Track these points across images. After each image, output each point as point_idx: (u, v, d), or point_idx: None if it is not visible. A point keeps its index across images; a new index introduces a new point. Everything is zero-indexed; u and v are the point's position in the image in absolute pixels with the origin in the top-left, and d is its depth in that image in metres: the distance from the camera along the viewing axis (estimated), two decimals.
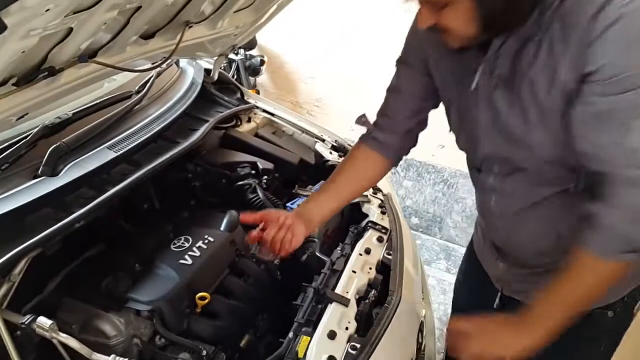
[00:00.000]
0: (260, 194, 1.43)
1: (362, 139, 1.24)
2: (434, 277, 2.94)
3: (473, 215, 3.09)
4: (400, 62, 1.17)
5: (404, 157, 1.28)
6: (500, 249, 1.19)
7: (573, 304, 0.93)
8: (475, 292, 1.37)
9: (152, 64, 1.44)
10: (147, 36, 1.26)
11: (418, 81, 1.15)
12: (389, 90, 1.21)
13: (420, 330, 1.27)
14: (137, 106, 1.52)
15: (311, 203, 1.21)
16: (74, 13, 0.84)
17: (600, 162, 0.86)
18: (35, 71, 0.96)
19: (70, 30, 0.91)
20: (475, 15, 0.84)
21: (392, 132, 1.20)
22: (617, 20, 0.76)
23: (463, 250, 3.46)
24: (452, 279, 2.95)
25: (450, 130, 1.15)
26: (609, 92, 0.80)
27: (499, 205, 1.09)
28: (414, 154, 3.40)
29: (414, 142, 1.25)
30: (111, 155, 1.28)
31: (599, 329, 1.14)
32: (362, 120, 1.24)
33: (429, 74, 1.11)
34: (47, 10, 0.75)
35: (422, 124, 1.22)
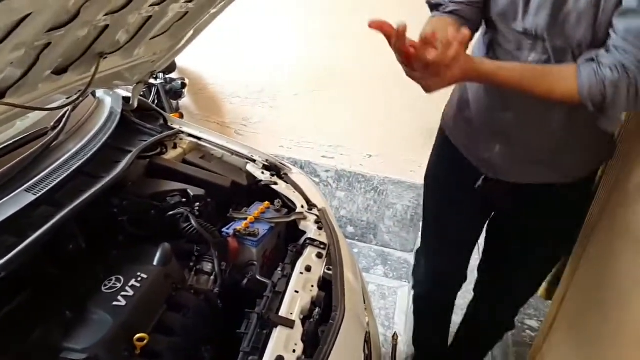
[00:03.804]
0: (194, 222, 1.39)
1: (439, 14, 1.30)
2: (373, 283, 3.00)
3: (404, 219, 3.19)
4: None
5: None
6: (504, 132, 1.33)
7: (507, 83, 1.12)
8: (452, 175, 1.58)
9: (67, 98, 1.38)
10: (60, 71, 1.20)
11: None
12: None
13: (367, 341, 1.29)
14: (54, 143, 1.44)
15: None
16: None
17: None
18: None
19: None
20: None
21: (467, 4, 1.28)
22: None
23: (399, 254, 3.57)
24: (390, 283, 3.04)
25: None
26: None
27: None
28: (345, 164, 3.43)
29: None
30: (30, 197, 1.20)
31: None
32: None
33: None
34: None
35: None
